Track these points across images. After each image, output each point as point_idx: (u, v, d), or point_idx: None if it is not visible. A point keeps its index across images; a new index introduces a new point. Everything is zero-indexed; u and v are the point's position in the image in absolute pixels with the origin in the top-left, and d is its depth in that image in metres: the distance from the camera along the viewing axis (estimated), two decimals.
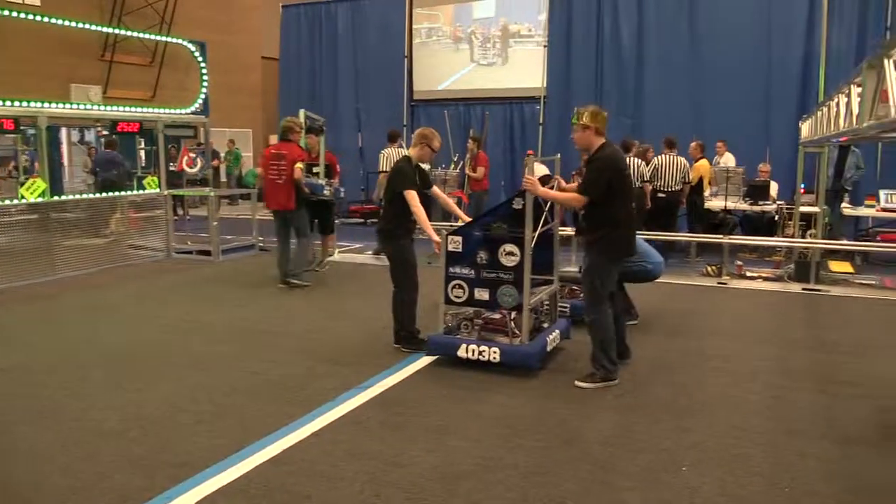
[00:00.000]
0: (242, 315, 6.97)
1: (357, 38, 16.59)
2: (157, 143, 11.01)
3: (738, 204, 10.92)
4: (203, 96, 11.03)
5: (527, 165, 5.44)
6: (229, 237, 11.46)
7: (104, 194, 10.77)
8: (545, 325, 5.73)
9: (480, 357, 5.19)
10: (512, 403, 4.63)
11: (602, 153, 4.90)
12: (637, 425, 4.27)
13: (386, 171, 8.99)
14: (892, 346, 6.09)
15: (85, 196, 10.54)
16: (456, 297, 5.42)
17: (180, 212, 15.33)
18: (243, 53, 21.31)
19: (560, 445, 3.97)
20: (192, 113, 11.11)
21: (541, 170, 5.79)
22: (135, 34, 13.03)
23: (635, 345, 5.99)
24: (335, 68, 16.88)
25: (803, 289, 8.47)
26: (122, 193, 10.87)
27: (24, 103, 8.82)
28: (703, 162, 11.13)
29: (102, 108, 10.88)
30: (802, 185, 10.20)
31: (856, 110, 4.83)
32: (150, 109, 11.08)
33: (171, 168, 14.42)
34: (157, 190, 10.65)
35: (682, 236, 9.94)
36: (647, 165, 10.41)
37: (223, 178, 18.60)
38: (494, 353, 5.16)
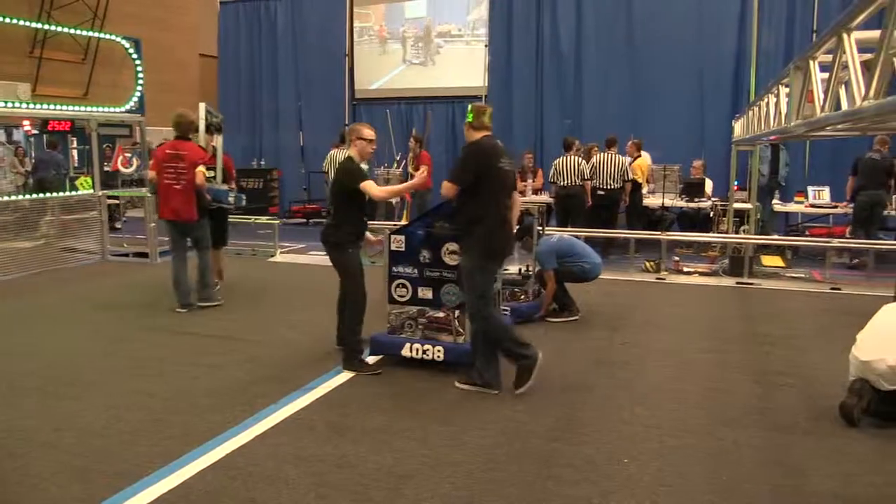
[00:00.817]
0: (181, 319, 6.82)
1: (297, 35, 16.42)
2: (90, 142, 10.67)
3: (674, 201, 11.20)
4: (138, 94, 10.73)
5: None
6: (167, 238, 11.16)
7: (36, 195, 10.39)
8: None
9: (424, 356, 5.20)
10: (456, 401, 4.64)
11: (471, 143, 4.74)
12: (580, 419, 4.34)
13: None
14: (820, 336, 6.33)
15: (14, 198, 10.14)
16: (399, 296, 5.41)
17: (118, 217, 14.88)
18: (180, 50, 20.81)
19: (505, 441, 4.01)
20: (127, 111, 10.78)
21: None
22: (65, 30, 12.58)
23: (577, 340, 6.10)
24: (275, 66, 16.67)
25: (737, 283, 8.74)
26: (54, 195, 10.50)
27: None
28: (641, 160, 11.39)
29: (31, 106, 10.48)
30: (736, 183, 10.52)
31: (784, 110, 5.00)
32: (83, 108, 10.73)
33: (106, 168, 14.00)
34: (91, 191, 10.32)
35: (622, 233, 10.14)
36: (588, 164, 10.59)
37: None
38: (438, 351, 5.18)
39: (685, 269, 9.37)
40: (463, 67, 14.95)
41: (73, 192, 11.12)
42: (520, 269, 7.40)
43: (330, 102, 15.99)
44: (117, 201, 13.60)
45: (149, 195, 10.37)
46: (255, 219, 12.32)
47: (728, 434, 4.12)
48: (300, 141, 16.26)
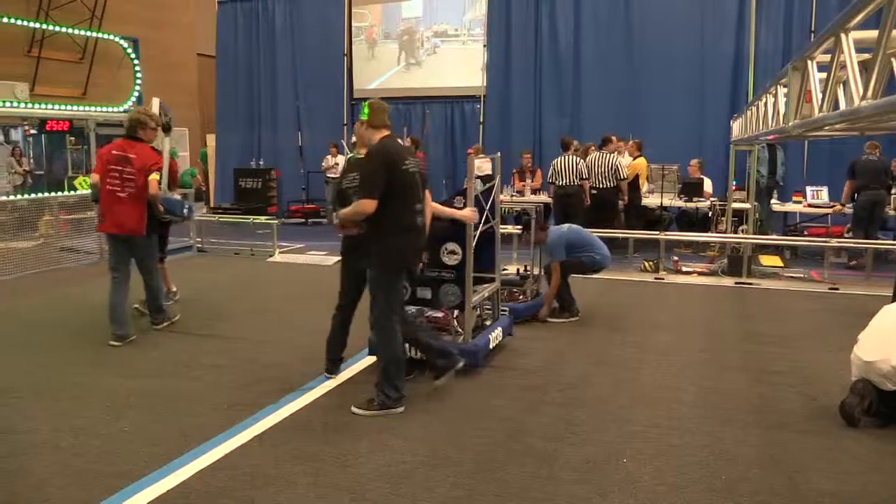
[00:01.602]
0: (181, 319, 6.80)
1: (295, 35, 16.41)
2: (88, 142, 10.66)
3: (673, 200, 11.21)
4: (136, 94, 10.73)
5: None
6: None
7: (33, 195, 10.38)
8: (487, 322, 5.76)
9: (423, 356, 5.18)
10: (455, 401, 4.64)
11: (375, 146, 4.35)
12: (579, 419, 4.35)
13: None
14: (819, 336, 6.34)
15: (10, 198, 10.13)
16: None
17: None
18: (178, 50, 20.77)
19: (504, 441, 4.01)
20: (125, 111, 10.78)
21: (484, 168, 5.79)
22: (64, 29, 12.57)
23: (576, 340, 6.10)
24: (273, 66, 16.66)
25: (736, 282, 8.75)
26: (52, 194, 10.49)
27: None
28: (641, 160, 11.40)
29: (30, 105, 10.47)
30: (734, 182, 10.54)
31: (782, 110, 5.01)
32: (81, 107, 10.72)
33: None
34: (90, 190, 10.30)
35: (620, 233, 10.15)
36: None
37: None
38: None
39: (684, 269, 9.38)
40: (460, 67, 14.97)
41: (72, 192, 11.10)
42: (518, 270, 7.40)
43: (328, 102, 15.98)
44: None
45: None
46: (254, 219, 12.32)
47: (727, 433, 4.13)
48: (298, 141, 16.26)
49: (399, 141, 4.49)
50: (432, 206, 4.91)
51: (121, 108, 10.73)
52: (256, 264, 10.17)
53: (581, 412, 4.46)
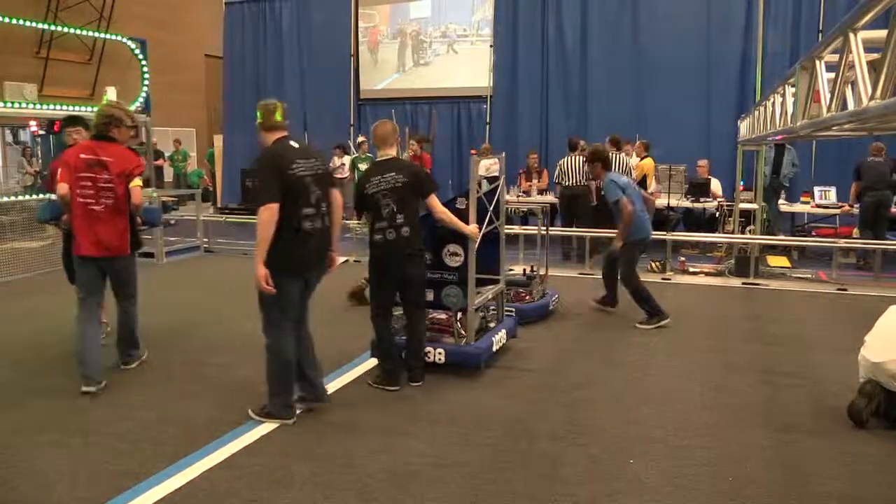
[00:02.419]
0: (187, 318, 6.83)
1: (302, 35, 16.41)
2: None
3: (680, 201, 11.18)
4: (144, 95, 10.76)
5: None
6: (173, 239, 11.22)
7: (42, 196, 10.39)
8: (491, 324, 5.70)
9: (426, 358, 5.13)
10: (462, 402, 4.64)
11: (262, 153, 4.24)
12: (585, 419, 4.34)
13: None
14: (827, 337, 6.31)
15: (20, 198, 10.16)
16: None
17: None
18: (185, 51, 20.88)
19: (510, 442, 4.01)
20: (132, 111, 10.82)
21: (493, 168, 5.77)
22: (72, 30, 12.61)
23: (583, 340, 6.09)
24: (281, 66, 16.67)
25: (743, 283, 8.72)
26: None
27: None
28: (648, 160, 11.36)
29: (38, 106, 10.51)
30: (741, 183, 10.49)
31: (790, 110, 4.98)
32: (89, 108, 10.75)
33: None
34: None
35: None
36: None
37: (168, 179, 18.20)
38: (440, 354, 5.12)
39: (691, 270, 9.36)
40: (468, 68, 14.96)
41: None
42: (524, 270, 7.39)
43: (335, 103, 15.98)
44: None
45: (154, 195, 10.32)
46: None
47: (734, 434, 4.11)
48: (305, 141, 16.23)
49: (293, 143, 4.27)
50: (441, 213, 4.94)
51: (129, 108, 10.76)
52: None
53: (587, 413, 4.45)
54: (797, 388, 4.93)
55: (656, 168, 11.45)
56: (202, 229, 10.97)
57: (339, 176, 14.02)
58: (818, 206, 10.87)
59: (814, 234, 11.19)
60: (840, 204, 10.65)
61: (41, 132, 16.82)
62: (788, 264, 9.77)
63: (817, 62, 4.00)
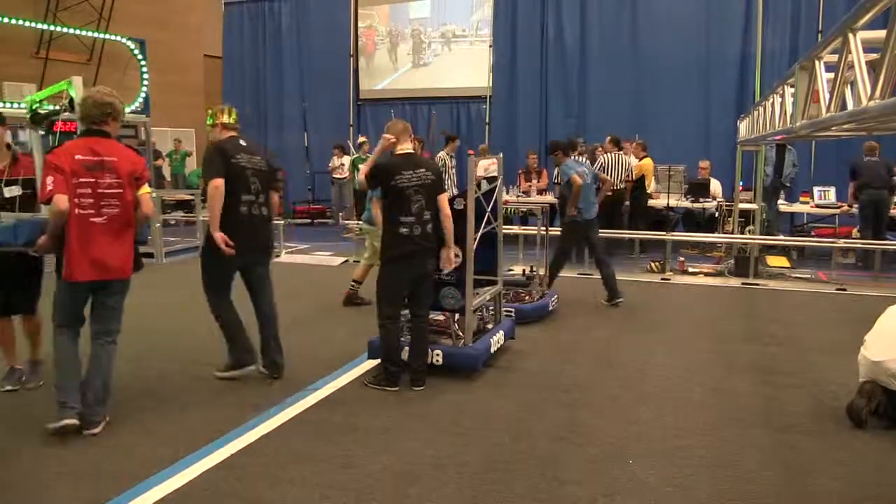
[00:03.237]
0: (186, 318, 6.82)
1: (302, 35, 16.44)
2: None
3: (679, 201, 11.18)
4: (143, 95, 10.78)
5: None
6: (173, 239, 11.22)
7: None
8: (489, 325, 5.68)
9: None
10: (460, 403, 4.64)
11: (213, 143, 4.89)
12: (584, 419, 4.34)
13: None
14: (826, 337, 6.31)
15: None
16: None
17: None
18: (184, 51, 20.84)
19: (509, 442, 4.01)
20: (132, 112, 10.83)
21: (492, 169, 5.77)
22: (71, 31, 12.62)
23: (582, 340, 6.09)
24: (280, 67, 16.70)
25: (743, 283, 8.73)
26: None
27: None
28: (647, 160, 11.37)
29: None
30: (741, 183, 10.50)
31: (789, 110, 4.99)
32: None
33: None
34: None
35: (626, 233, 10.13)
36: (595, 164, 10.56)
37: (167, 178, 18.19)
38: (437, 355, 5.10)
39: (690, 270, 9.36)
40: (467, 68, 14.97)
41: None
42: (524, 271, 7.39)
43: (335, 103, 16.00)
44: None
45: (153, 195, 10.26)
46: None
47: (733, 434, 4.11)
48: (305, 141, 16.28)
49: (241, 142, 4.85)
50: (446, 215, 4.92)
51: (128, 109, 10.75)
52: None
53: (586, 413, 4.46)
54: (796, 388, 4.93)
55: (656, 168, 11.47)
56: (202, 229, 10.95)
57: (338, 176, 14.08)
58: (817, 206, 10.88)
59: (813, 234, 11.20)
60: (839, 204, 10.66)
61: (41, 132, 16.79)
62: (788, 264, 9.77)
63: (816, 62, 4.01)
